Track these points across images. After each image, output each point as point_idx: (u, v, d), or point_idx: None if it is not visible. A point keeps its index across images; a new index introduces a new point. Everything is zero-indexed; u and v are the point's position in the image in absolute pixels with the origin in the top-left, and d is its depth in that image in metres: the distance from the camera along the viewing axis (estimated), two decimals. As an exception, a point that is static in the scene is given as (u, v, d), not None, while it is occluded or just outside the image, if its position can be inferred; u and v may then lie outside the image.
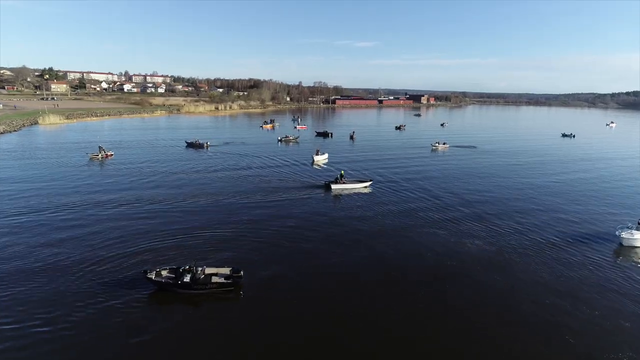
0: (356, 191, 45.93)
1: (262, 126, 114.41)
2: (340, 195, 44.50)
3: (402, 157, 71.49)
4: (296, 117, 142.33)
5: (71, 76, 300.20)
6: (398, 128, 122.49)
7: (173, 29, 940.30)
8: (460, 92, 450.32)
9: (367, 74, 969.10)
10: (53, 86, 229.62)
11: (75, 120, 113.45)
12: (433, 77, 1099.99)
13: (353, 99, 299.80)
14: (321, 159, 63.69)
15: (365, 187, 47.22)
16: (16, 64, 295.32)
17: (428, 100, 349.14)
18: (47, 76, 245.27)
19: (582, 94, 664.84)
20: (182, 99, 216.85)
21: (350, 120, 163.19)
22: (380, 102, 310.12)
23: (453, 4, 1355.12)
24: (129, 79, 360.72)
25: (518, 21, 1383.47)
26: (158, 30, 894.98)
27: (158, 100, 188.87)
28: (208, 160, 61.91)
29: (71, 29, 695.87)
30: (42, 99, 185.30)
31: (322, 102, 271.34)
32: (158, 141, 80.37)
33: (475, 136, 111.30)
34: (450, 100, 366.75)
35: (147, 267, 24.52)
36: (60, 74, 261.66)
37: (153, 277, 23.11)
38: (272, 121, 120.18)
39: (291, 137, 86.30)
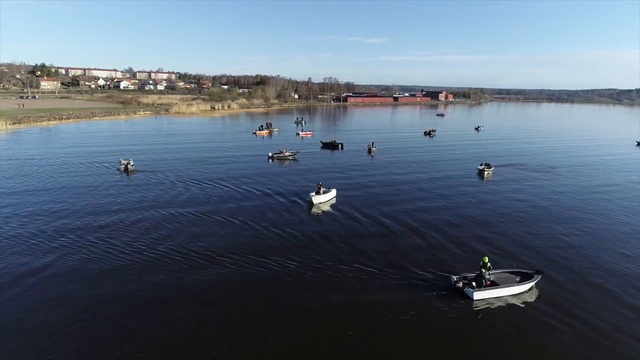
0: (512, 301, 20.81)
1: (255, 132, 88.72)
2: (487, 310, 19.72)
3: (454, 189, 45.07)
4: (300, 119, 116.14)
5: (72, 73, 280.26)
6: (427, 134, 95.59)
7: (183, 25, 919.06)
8: (475, 89, 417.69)
9: (378, 71, 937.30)
10: (43, 83, 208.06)
11: (24, 126, 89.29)
12: (445, 73, 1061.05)
13: (366, 96, 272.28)
14: (324, 200, 37.84)
15: (529, 290, 21.46)
16: (22, 60, 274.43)
17: (446, 97, 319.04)
18: (39, 72, 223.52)
19: (602, 89, 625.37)
20: (179, 96, 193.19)
21: (364, 121, 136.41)
22: (396, 99, 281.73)
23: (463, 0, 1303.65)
24: (132, 75, 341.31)
25: (529, 17, 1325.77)
26: (169, 27, 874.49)
27: (149, 99, 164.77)
28: (143, 200, 36.52)
29: (83, 26, 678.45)
30: (21, 97, 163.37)
31: (333, 100, 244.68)
32: (95, 157, 55.43)
33: (524, 145, 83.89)
34: (469, 97, 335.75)
35: None
36: (53, 70, 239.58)
37: None
38: (268, 125, 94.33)
39: (287, 153, 60.46)
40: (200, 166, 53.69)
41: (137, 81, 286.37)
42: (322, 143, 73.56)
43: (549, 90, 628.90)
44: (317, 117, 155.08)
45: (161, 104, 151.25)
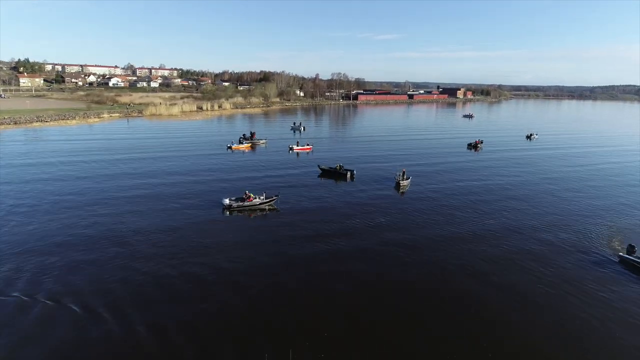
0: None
1: (230, 146, 61.66)
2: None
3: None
4: (298, 124, 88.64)
5: (68, 69, 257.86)
6: (473, 147, 67.49)
7: (189, 21, 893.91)
8: (490, 85, 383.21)
9: (389, 67, 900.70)
10: (23, 80, 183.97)
11: None
12: (456, 69, 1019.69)
13: (378, 94, 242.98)
14: None
15: None
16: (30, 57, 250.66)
17: (465, 94, 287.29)
18: (22, 68, 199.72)
19: (620, 85, 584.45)
20: (169, 94, 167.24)
21: (379, 124, 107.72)
22: (411, 97, 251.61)
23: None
24: (133, 72, 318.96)
25: (538, 13, 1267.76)
26: (175, 23, 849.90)
27: (130, 98, 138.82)
28: None
29: (92, 24, 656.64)
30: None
31: (342, 98, 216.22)
32: None
33: (620, 166, 55.69)
34: (489, 94, 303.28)
35: None
36: (37, 66, 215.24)
37: None
38: (252, 136, 67.05)
39: (256, 199, 33.07)
40: (77, 229, 26.89)
41: (135, 78, 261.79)
42: (322, 169, 46.13)
43: (564, 86, 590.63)
44: (323, 119, 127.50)
45: (140, 104, 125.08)
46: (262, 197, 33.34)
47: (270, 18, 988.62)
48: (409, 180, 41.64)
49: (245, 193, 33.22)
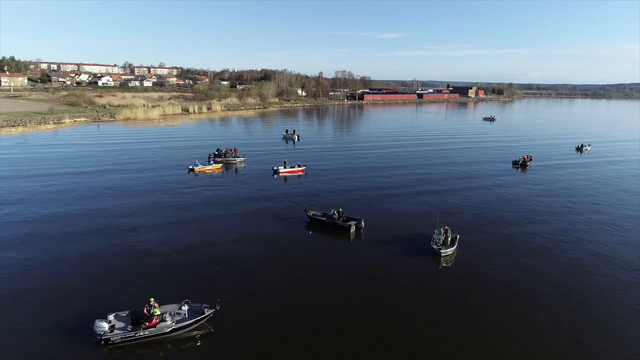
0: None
1: (193, 168, 44.56)
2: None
3: None
4: (291, 133, 71.44)
5: (64, 68, 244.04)
6: (522, 166, 49.78)
7: (193, 19, 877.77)
8: (498, 84, 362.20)
9: (394, 66, 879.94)
10: (4, 79, 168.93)
11: None
12: (462, 68, 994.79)
13: (385, 93, 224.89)
14: None
15: None
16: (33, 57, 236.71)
17: (476, 93, 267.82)
18: (6, 67, 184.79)
19: (632, 84, 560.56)
20: (157, 94, 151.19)
21: (388, 128, 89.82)
22: (420, 96, 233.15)
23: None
24: (131, 71, 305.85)
25: (543, 10, 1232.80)
26: (178, 21, 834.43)
27: (107, 100, 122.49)
28: None
29: (96, 23, 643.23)
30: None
31: (347, 98, 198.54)
32: None
33: None
34: (501, 93, 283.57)
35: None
36: (23, 64, 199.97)
37: None
38: (227, 152, 50.01)
39: (168, 320, 16.06)
40: None
41: (132, 77, 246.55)
42: (312, 218, 29.03)
43: (573, 84, 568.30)
44: (325, 123, 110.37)
45: (118, 106, 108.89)
46: (183, 310, 16.42)
47: (272, 17, 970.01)
48: (456, 245, 24.45)
49: (149, 304, 16.25)
